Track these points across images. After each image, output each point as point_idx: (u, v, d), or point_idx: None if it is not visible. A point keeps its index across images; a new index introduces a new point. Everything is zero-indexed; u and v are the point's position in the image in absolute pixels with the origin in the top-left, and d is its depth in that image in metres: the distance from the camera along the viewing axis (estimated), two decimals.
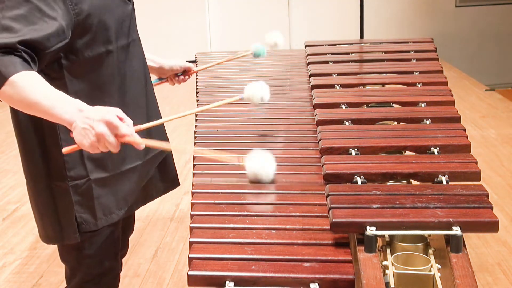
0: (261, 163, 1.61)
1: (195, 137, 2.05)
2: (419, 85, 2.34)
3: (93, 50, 1.52)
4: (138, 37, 1.70)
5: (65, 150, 1.44)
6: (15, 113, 1.56)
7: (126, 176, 1.66)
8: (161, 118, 1.76)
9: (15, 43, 1.35)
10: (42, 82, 1.37)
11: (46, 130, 1.55)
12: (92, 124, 1.33)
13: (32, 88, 1.34)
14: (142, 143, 1.40)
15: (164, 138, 1.80)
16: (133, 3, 1.67)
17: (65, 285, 1.78)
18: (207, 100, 2.41)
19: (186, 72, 2.14)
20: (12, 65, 1.33)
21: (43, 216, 1.64)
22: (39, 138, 1.56)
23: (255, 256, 1.30)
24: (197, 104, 2.43)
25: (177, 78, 2.14)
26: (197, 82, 2.63)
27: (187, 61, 2.15)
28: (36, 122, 1.54)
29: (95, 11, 1.49)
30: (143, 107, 1.70)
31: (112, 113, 1.36)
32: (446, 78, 2.40)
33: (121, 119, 1.37)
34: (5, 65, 1.32)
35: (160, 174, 1.84)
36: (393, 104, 2.16)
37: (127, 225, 1.91)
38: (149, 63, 1.88)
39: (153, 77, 2.07)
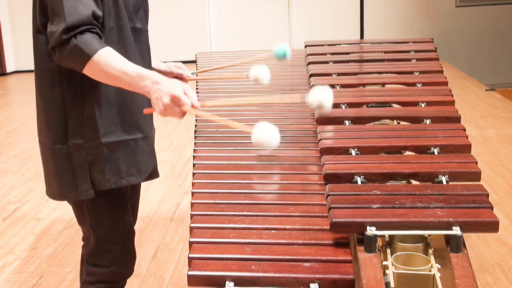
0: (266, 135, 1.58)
1: (195, 137, 2.05)
2: (419, 85, 2.34)
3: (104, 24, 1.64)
4: (147, 29, 1.82)
5: (145, 110, 1.69)
6: (38, 76, 1.70)
7: (137, 145, 1.75)
8: None
9: (89, 15, 1.55)
10: (120, 58, 1.58)
11: (66, 96, 1.68)
12: (161, 95, 1.55)
13: (113, 65, 1.55)
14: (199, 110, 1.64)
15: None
16: None
17: (66, 284, 1.79)
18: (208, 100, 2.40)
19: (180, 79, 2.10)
20: (91, 44, 1.54)
21: (58, 174, 1.73)
22: (61, 102, 1.69)
23: (255, 256, 1.30)
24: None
25: None
26: (197, 82, 2.63)
27: (186, 62, 2.14)
28: (58, 87, 1.68)
29: None
30: None
31: (179, 87, 1.56)
32: (446, 78, 2.40)
33: (185, 93, 1.57)
34: (86, 44, 1.53)
35: None
36: (393, 104, 2.16)
37: (134, 194, 1.99)
38: None
39: None
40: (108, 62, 1.55)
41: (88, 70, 1.57)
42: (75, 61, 1.56)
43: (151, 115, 1.84)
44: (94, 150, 1.69)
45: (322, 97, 1.71)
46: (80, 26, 1.53)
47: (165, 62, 2.09)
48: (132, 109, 1.73)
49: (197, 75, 2.36)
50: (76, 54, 1.54)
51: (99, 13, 1.59)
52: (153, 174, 1.84)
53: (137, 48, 1.74)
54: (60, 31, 1.52)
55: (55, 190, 1.77)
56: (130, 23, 1.71)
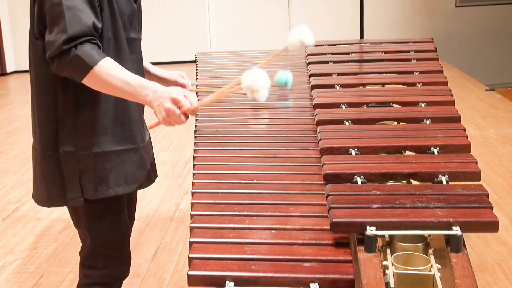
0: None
1: (195, 137, 2.05)
2: (419, 85, 2.34)
3: (102, 35, 1.64)
4: (140, 38, 1.81)
5: (150, 126, 1.74)
6: (33, 82, 1.69)
7: (126, 156, 1.75)
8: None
9: (90, 27, 1.55)
10: (120, 68, 1.59)
11: (59, 103, 1.67)
12: (162, 101, 1.59)
13: (114, 75, 1.57)
14: (198, 106, 1.67)
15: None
16: (139, 4, 1.79)
17: (66, 284, 1.80)
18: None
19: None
20: (92, 54, 1.54)
21: (48, 181, 1.73)
22: (54, 108, 1.68)
23: (255, 256, 1.30)
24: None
25: None
26: (197, 79, 2.63)
27: (186, 62, 2.14)
28: (52, 94, 1.67)
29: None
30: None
31: (178, 91, 1.61)
32: (446, 78, 2.39)
33: (185, 96, 1.61)
34: (87, 54, 1.53)
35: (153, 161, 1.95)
36: (393, 104, 2.16)
37: (131, 199, 1.99)
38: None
39: None
40: (109, 73, 1.55)
41: (88, 81, 1.57)
42: (75, 71, 1.56)
43: (143, 125, 1.85)
44: (86, 159, 1.69)
45: (302, 35, 1.71)
46: (81, 37, 1.54)
47: (165, 62, 2.09)
48: (123, 120, 1.73)
49: (197, 86, 2.36)
50: (77, 64, 1.54)
51: (99, 24, 1.59)
52: (143, 184, 1.84)
53: (131, 58, 1.74)
54: (61, 42, 1.52)
55: (42, 196, 1.77)
56: (125, 34, 1.71)
